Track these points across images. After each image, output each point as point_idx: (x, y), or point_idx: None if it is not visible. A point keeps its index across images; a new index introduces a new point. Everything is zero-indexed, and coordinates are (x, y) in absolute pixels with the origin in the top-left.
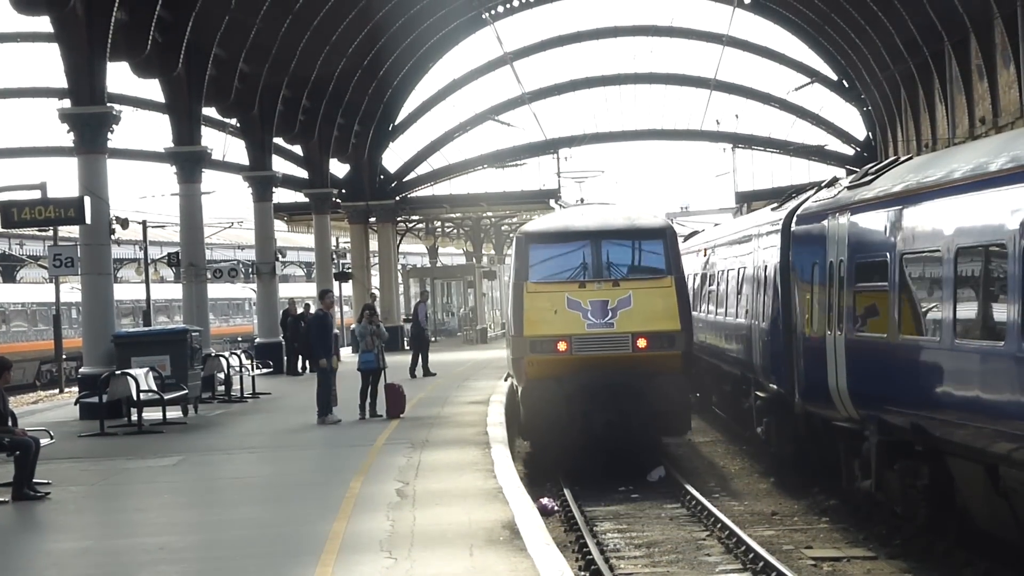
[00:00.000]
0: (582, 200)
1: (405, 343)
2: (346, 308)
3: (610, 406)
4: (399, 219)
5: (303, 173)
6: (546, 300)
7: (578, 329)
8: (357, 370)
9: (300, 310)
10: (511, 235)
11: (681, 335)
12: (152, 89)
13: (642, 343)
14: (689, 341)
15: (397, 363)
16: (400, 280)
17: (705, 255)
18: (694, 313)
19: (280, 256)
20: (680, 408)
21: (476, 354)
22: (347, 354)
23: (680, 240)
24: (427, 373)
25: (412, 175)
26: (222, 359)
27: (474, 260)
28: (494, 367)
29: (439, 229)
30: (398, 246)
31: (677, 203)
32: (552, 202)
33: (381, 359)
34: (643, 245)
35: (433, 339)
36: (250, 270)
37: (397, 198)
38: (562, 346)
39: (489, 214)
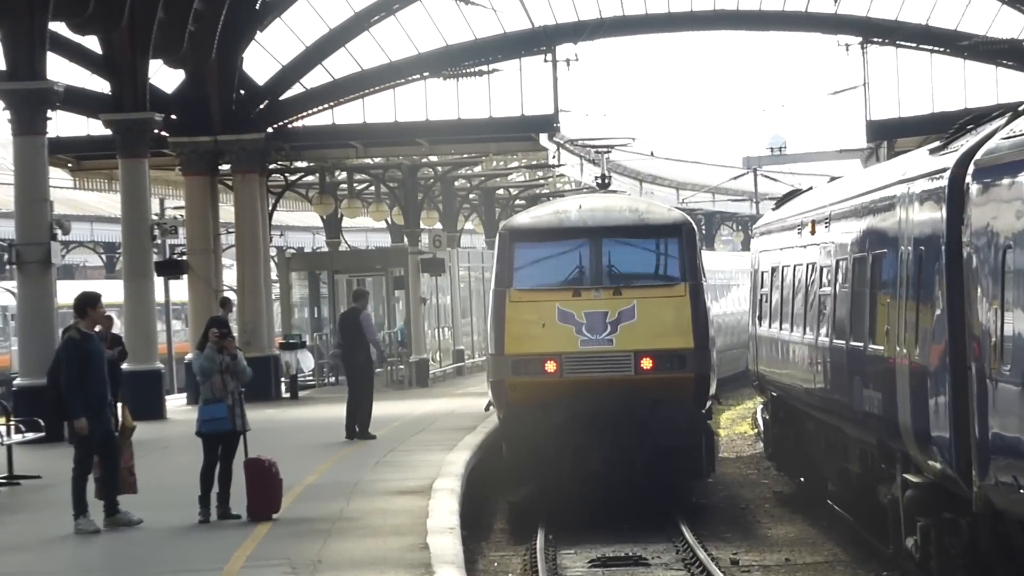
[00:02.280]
0: (604, 178)
1: (283, 388)
2: (176, 325)
3: (608, 439)
4: (273, 168)
5: (104, 86)
6: (533, 311)
7: (570, 346)
8: (196, 434)
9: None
10: (471, 197)
11: (695, 355)
12: None
13: (647, 364)
14: (705, 362)
15: (268, 423)
16: (275, 274)
17: (812, 231)
18: (786, 333)
19: (60, 231)
20: (692, 443)
21: (411, 406)
22: (178, 406)
23: (771, 208)
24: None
25: (296, 90)
26: None
27: (405, 240)
28: (440, 429)
29: (344, 186)
30: (271, 214)
31: (765, 140)
32: (543, 138)
33: (239, 416)
34: (653, 245)
35: (331, 379)
36: (5, 256)
37: (270, 130)
38: (550, 366)
39: (433, 159)
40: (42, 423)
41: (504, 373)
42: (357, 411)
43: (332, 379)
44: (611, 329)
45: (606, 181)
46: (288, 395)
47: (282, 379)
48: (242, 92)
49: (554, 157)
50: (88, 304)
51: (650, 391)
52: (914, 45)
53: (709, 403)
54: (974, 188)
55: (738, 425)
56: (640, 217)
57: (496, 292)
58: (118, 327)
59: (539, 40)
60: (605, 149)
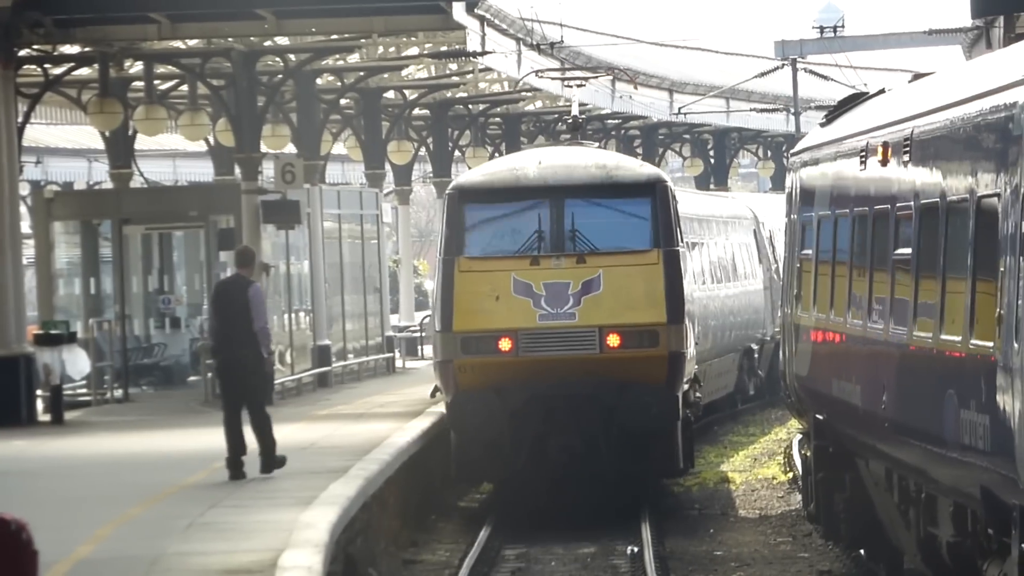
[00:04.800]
0: (575, 121)
1: (41, 407)
2: None
3: (570, 427)
4: (25, 55)
5: None
6: (485, 282)
7: (527, 322)
8: None
9: None
10: (344, 104)
11: (668, 331)
12: None
13: (614, 341)
14: (680, 339)
15: (15, 462)
16: (30, 224)
17: (883, 160)
18: (839, 320)
19: None
20: (665, 429)
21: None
22: None
23: (818, 124)
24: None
25: None
26: None
27: (238, 171)
28: (292, 474)
29: (140, 85)
30: (21, 129)
31: (810, 14)
32: (459, 9)
33: None
34: (623, 206)
35: (116, 391)
36: None
37: None
38: (505, 344)
39: (282, 43)
40: None
41: (452, 353)
42: (239, 435)
43: (119, 391)
44: (574, 302)
45: (577, 123)
46: (49, 417)
47: (38, 392)
48: None
49: (476, 42)
50: None
51: (617, 371)
52: None
53: (686, 386)
54: None
55: (763, 466)
56: (608, 174)
57: (444, 260)
58: None
59: None
60: (577, 81)
